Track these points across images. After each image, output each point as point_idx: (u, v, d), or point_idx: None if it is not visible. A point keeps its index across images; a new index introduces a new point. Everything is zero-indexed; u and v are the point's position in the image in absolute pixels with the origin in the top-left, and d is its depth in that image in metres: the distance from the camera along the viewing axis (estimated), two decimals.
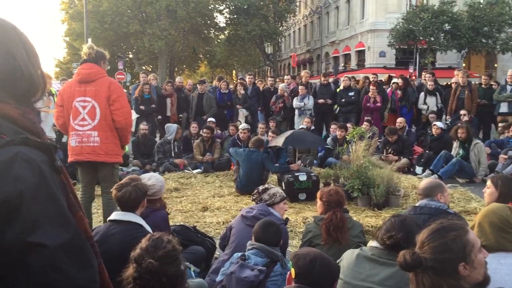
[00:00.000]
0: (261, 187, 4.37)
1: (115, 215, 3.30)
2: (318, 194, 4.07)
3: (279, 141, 7.80)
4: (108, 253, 2.85)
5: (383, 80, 14.30)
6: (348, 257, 2.89)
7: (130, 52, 41.98)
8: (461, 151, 8.59)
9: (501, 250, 2.63)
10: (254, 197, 4.36)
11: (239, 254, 3.37)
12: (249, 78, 13.13)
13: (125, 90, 12.54)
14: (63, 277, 1.13)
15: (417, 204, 3.69)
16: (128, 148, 10.02)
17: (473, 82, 11.53)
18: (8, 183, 1.10)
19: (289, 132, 8.33)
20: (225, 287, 3.20)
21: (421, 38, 26.55)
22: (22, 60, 1.27)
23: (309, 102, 11.44)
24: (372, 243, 2.90)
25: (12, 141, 1.15)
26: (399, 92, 11.75)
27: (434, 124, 9.70)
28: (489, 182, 3.49)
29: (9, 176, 1.10)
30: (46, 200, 1.15)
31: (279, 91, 11.94)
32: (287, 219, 4.38)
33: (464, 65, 31.63)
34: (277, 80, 13.58)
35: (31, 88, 1.30)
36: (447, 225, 1.97)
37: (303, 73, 13.27)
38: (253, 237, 3.42)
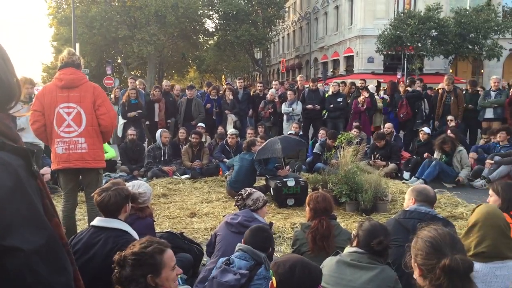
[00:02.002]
0: (244, 192, 4.34)
1: (98, 221, 3.21)
2: (307, 199, 4.04)
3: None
4: (93, 261, 2.82)
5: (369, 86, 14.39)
6: (328, 264, 2.92)
7: (118, 57, 41.80)
8: (444, 157, 8.67)
9: (497, 257, 2.64)
10: (238, 203, 4.33)
11: (224, 258, 3.35)
12: (239, 82, 13.12)
13: (112, 95, 12.50)
14: (39, 281, 1.13)
15: (407, 209, 3.70)
16: (115, 153, 9.97)
17: (458, 88, 11.64)
18: None
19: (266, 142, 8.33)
20: None
21: (408, 44, 26.80)
22: (0, 69, 1.29)
23: (298, 107, 11.47)
24: (351, 249, 2.92)
25: None
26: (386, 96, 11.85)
27: (421, 130, 9.78)
28: (490, 191, 3.52)
29: None
30: (22, 204, 1.15)
31: (268, 96, 11.96)
32: (271, 223, 4.37)
33: (451, 71, 32.00)
34: (273, 86, 13.60)
35: (9, 95, 1.32)
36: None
37: (298, 78, 13.31)
38: (242, 240, 3.40)
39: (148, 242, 2.41)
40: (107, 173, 8.60)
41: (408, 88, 11.62)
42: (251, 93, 13.31)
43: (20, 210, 1.14)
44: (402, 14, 28.21)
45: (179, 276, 3.66)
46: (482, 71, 33.43)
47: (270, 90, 12.47)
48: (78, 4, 32.29)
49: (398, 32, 26.51)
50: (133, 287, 2.31)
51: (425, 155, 8.83)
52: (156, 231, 4.37)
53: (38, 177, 1.27)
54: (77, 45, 23.42)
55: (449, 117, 10.31)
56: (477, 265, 2.65)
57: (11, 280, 1.11)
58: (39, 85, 13.60)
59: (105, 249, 2.98)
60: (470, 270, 1.93)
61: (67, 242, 1.40)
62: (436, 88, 12.69)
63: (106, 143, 9.76)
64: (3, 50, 1.34)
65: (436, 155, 8.79)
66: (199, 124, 10.80)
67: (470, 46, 26.57)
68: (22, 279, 1.11)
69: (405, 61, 27.68)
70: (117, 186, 3.34)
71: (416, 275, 2.10)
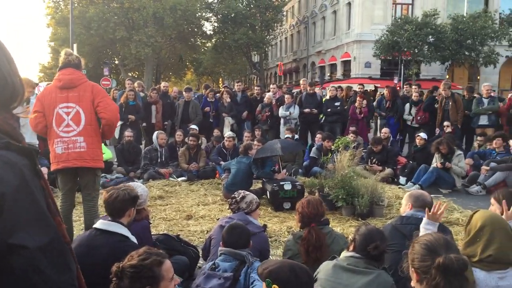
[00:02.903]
0: (237, 195, 4.33)
1: (101, 224, 3.22)
2: (297, 204, 3.92)
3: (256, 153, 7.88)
4: (95, 265, 2.81)
5: (369, 91, 14.47)
6: (324, 269, 2.91)
7: (116, 58, 41.76)
8: (442, 161, 8.69)
9: (502, 262, 2.64)
10: (232, 206, 4.33)
11: (210, 263, 3.35)
12: (237, 85, 13.13)
13: (110, 96, 12.46)
14: (44, 279, 1.15)
15: (404, 214, 3.70)
16: (112, 155, 9.94)
17: (456, 93, 11.68)
18: None
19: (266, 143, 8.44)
20: None
21: (405, 49, 26.90)
22: (5, 69, 1.31)
23: (295, 111, 11.49)
24: (347, 253, 2.93)
25: None
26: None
27: (418, 135, 9.82)
28: (492, 200, 3.50)
29: None
30: (27, 202, 1.17)
31: (265, 99, 11.97)
32: (265, 225, 4.37)
33: (447, 76, 32.14)
34: (271, 89, 13.60)
35: (13, 96, 1.34)
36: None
37: (301, 81, 13.32)
38: (221, 243, 3.41)
39: (146, 254, 2.40)
40: (103, 175, 8.57)
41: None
42: (249, 95, 13.33)
43: (25, 209, 1.16)
44: (399, 20, 28.31)
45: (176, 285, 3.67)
46: (478, 77, 33.54)
47: (267, 94, 12.48)
48: (76, 4, 32.24)
49: (395, 38, 26.60)
50: None
51: (447, 165, 8.56)
52: (152, 233, 4.36)
53: (41, 176, 1.29)
54: (75, 45, 23.37)
55: (446, 123, 10.35)
56: (480, 274, 2.65)
57: (17, 278, 1.12)
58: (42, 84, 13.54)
59: (105, 253, 2.97)
60: (464, 267, 1.95)
61: (69, 241, 1.41)
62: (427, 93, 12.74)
63: (103, 144, 9.77)
64: (6, 51, 1.35)
65: (435, 161, 8.79)
66: (192, 126, 10.75)
67: (466, 53, 26.66)
68: (28, 277, 1.13)
69: (402, 67, 27.77)
70: (127, 188, 3.40)
71: (413, 282, 2.11)
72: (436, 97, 11.26)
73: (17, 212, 1.14)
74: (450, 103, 10.63)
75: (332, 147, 8.52)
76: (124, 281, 2.32)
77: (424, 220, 3.19)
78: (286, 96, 11.82)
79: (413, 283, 2.12)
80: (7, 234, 1.11)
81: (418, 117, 11.31)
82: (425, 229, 3.05)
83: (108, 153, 9.59)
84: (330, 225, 3.98)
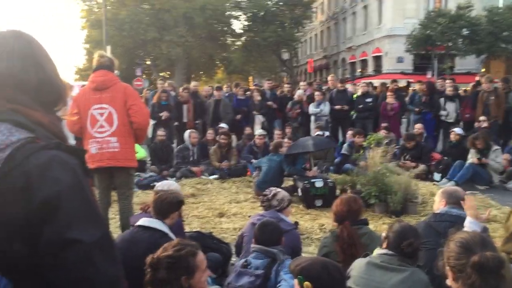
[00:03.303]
0: (269, 192, 4.33)
1: (144, 221, 3.37)
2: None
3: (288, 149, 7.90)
4: (135, 258, 2.90)
5: (401, 86, 14.21)
6: (358, 266, 2.89)
7: (148, 59, 42.40)
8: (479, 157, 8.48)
9: None
10: (264, 204, 4.34)
11: (242, 260, 3.38)
12: (267, 83, 13.13)
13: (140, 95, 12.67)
14: (97, 272, 1.21)
15: (437, 211, 3.64)
16: (145, 153, 10.13)
17: (498, 88, 11.29)
18: (47, 184, 1.18)
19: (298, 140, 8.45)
20: None
21: (439, 43, 26.29)
22: (50, 70, 1.39)
23: (325, 108, 11.42)
24: (380, 250, 2.90)
25: (47, 146, 1.23)
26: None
27: (452, 131, 9.59)
28: None
29: (48, 177, 1.18)
30: (80, 200, 1.23)
31: (296, 97, 11.94)
32: (296, 222, 4.36)
33: (483, 70, 31.23)
34: (301, 86, 13.56)
35: (58, 98, 1.42)
36: None
37: (329, 77, 13.22)
38: (253, 240, 3.43)
39: (180, 245, 2.45)
40: (137, 173, 8.73)
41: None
42: (278, 93, 13.33)
43: (79, 206, 1.22)
44: (432, 13, 27.70)
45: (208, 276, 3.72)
46: None
47: (297, 91, 12.45)
48: (109, 7, 32.90)
49: (428, 32, 26.04)
50: None
51: (483, 160, 8.30)
52: (186, 231, 4.43)
53: (89, 175, 1.36)
54: (108, 47, 23.84)
55: (481, 118, 10.06)
56: None
57: (72, 271, 1.18)
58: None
59: (145, 247, 3.04)
60: (501, 265, 1.91)
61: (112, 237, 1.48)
62: (466, 88, 12.37)
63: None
64: (48, 53, 1.42)
65: (471, 157, 8.58)
66: (221, 125, 10.82)
67: (503, 45, 25.87)
68: (82, 270, 1.19)
69: (436, 61, 27.16)
70: (175, 191, 3.60)
71: (449, 280, 2.08)
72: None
73: (72, 209, 1.20)
74: (492, 98, 10.27)
75: (364, 143, 8.44)
76: (160, 271, 2.37)
77: (468, 219, 3.13)
78: (316, 93, 11.75)
79: (449, 282, 2.09)
80: (63, 229, 1.18)
81: (467, 115, 10.81)
82: (469, 228, 2.99)
83: (141, 152, 9.77)
84: None
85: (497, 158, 8.36)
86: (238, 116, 11.65)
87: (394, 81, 13.08)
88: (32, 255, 1.18)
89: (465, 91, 13.00)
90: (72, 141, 8.35)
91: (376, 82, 19.12)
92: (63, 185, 1.20)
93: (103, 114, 4.68)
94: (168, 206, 3.43)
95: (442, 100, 11.33)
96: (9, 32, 1.38)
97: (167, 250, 2.43)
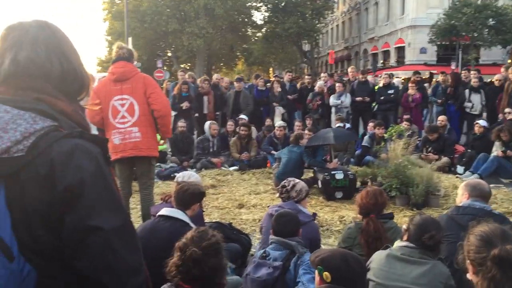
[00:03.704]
0: (287, 183, 4.30)
1: (165, 211, 3.42)
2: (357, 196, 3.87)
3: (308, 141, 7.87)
4: (156, 247, 2.94)
5: (424, 78, 13.96)
6: (378, 259, 2.86)
7: (168, 51, 42.63)
8: (504, 149, 8.30)
9: None
10: (282, 195, 4.33)
11: (261, 251, 3.37)
12: (287, 75, 13.06)
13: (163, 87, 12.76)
14: (117, 259, 1.24)
15: (460, 204, 3.57)
16: (166, 145, 10.22)
17: None
18: (71, 171, 1.21)
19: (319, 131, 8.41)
20: None
21: (463, 33, 25.73)
22: (75, 60, 1.42)
23: (346, 100, 11.32)
24: (401, 243, 2.86)
25: (70, 134, 1.26)
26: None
27: (477, 123, 9.40)
28: None
29: (71, 165, 1.22)
30: (103, 188, 1.26)
31: (316, 88, 11.86)
32: (314, 214, 4.34)
33: (509, 61, 30.49)
34: (322, 77, 13.47)
35: (82, 88, 1.45)
36: None
37: (349, 69, 13.10)
38: (271, 231, 3.43)
39: (204, 232, 2.44)
40: (158, 164, 8.82)
41: None
42: (298, 85, 13.26)
43: (101, 194, 1.25)
44: (457, 3, 27.10)
45: (228, 266, 3.74)
46: None
47: (318, 82, 12.37)
48: None
49: (452, 22, 25.50)
50: (219, 275, 2.35)
51: (508, 153, 8.11)
52: (206, 221, 4.46)
53: (111, 164, 1.38)
54: (130, 39, 24.06)
55: (507, 110, 9.83)
56: None
57: (93, 257, 1.21)
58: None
59: (166, 237, 3.10)
60: None
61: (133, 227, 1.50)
62: (492, 80, 12.04)
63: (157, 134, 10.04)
64: (71, 43, 1.45)
65: (496, 149, 8.40)
66: (241, 116, 10.83)
67: None
68: (103, 256, 1.22)
69: (460, 52, 26.60)
70: (197, 184, 3.66)
71: (470, 274, 2.05)
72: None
73: (94, 196, 1.22)
74: None
75: (385, 135, 8.34)
76: (211, 260, 2.30)
77: None
78: (337, 84, 11.65)
79: (469, 275, 2.05)
80: (86, 216, 1.20)
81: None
82: None
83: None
84: None
85: None
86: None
87: (417, 72, 12.84)
88: (55, 241, 1.21)
89: (490, 82, 12.70)
90: (94, 131, 8.48)
91: (400, 73, 18.82)
92: (86, 173, 1.22)
93: (124, 105, 4.74)
94: (190, 197, 3.47)
95: (467, 91, 11.11)
96: (34, 22, 1.40)
97: (205, 240, 2.36)
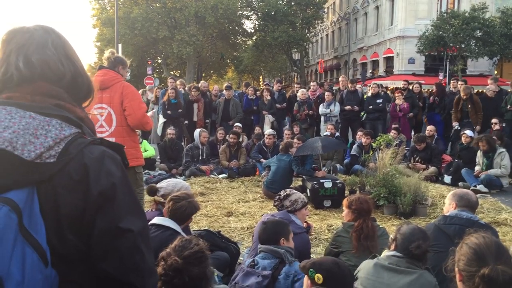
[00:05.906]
0: (282, 193, 4.30)
1: (157, 220, 3.49)
2: (345, 202, 3.97)
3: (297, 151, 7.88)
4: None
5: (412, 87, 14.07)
6: (365, 267, 2.88)
7: (159, 57, 42.58)
8: (484, 160, 8.42)
9: None
10: (276, 203, 4.32)
11: (249, 260, 3.36)
12: (276, 86, 13.08)
13: (153, 94, 12.69)
14: (143, 258, 1.28)
15: (447, 214, 3.60)
16: (155, 152, 10.18)
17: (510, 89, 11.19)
18: (103, 176, 1.24)
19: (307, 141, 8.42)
20: None
21: (451, 44, 26.07)
22: (79, 65, 1.41)
23: (335, 108, 11.38)
24: (388, 252, 2.88)
25: (93, 141, 1.29)
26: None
27: (464, 133, 9.50)
28: None
29: (103, 170, 1.24)
30: (128, 192, 1.30)
31: (300, 96, 11.86)
32: (308, 227, 4.32)
33: (496, 72, 30.93)
34: (311, 86, 13.49)
35: (89, 93, 1.45)
36: None
37: (340, 78, 13.19)
38: (258, 240, 3.43)
39: (187, 241, 2.45)
40: (146, 171, 8.79)
41: None
42: (288, 94, 13.29)
43: (127, 197, 1.29)
44: (445, 14, 27.46)
45: (215, 274, 3.73)
46: None
47: (300, 90, 12.31)
48: (121, 5, 33.08)
49: (440, 33, 25.83)
50: (203, 284, 2.34)
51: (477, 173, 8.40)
52: (194, 229, 4.44)
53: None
54: (120, 45, 24.01)
55: (493, 120, 9.97)
56: None
57: (122, 257, 1.25)
58: None
59: (157, 245, 3.07)
60: (510, 282, 1.87)
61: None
62: (483, 90, 12.23)
63: (146, 141, 10.01)
64: (72, 47, 1.43)
65: (478, 160, 8.51)
66: (236, 124, 10.88)
67: None
68: (132, 256, 1.26)
69: (448, 62, 26.92)
70: (192, 199, 3.65)
71: (457, 280, 2.06)
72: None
73: (123, 200, 1.26)
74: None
75: (373, 144, 8.40)
76: (194, 269, 2.30)
77: None
78: (326, 93, 11.71)
79: (457, 280, 2.06)
80: (118, 219, 1.24)
81: None
82: None
83: (151, 150, 9.83)
84: None
85: (503, 161, 8.25)
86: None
87: (405, 81, 13.01)
88: (81, 245, 1.22)
89: (478, 92, 12.89)
90: None
91: (388, 83, 18.95)
92: (116, 178, 1.26)
93: (103, 114, 4.66)
94: (186, 217, 3.57)
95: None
96: (37, 26, 1.37)
97: (187, 249, 2.37)
